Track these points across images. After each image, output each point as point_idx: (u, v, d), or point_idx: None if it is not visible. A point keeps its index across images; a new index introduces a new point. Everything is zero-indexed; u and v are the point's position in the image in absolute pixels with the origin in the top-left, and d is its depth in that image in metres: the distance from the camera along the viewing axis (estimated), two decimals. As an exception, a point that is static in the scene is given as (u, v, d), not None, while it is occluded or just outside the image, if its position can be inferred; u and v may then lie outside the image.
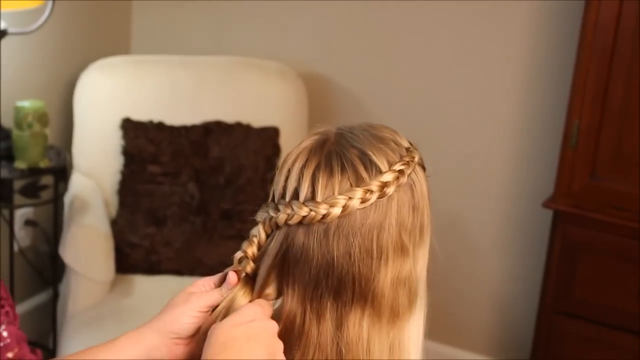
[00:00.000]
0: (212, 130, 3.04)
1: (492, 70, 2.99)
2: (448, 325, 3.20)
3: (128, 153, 2.99)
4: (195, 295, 1.12)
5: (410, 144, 1.14)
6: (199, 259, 2.92)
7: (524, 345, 3.06)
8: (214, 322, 1.08)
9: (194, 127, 3.03)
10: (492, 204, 3.08)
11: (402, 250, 1.09)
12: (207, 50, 3.35)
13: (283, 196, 1.09)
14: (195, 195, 2.98)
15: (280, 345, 1.07)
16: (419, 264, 1.12)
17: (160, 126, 3.02)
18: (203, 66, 3.15)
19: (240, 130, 3.04)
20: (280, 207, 1.08)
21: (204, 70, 3.14)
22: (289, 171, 1.10)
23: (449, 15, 3.00)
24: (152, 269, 2.92)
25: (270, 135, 3.06)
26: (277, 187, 1.11)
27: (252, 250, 1.11)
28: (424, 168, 1.14)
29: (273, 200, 1.11)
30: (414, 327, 1.14)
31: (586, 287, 2.67)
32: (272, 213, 1.09)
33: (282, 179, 1.10)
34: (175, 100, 3.09)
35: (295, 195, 1.08)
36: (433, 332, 3.16)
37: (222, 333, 1.04)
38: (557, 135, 2.85)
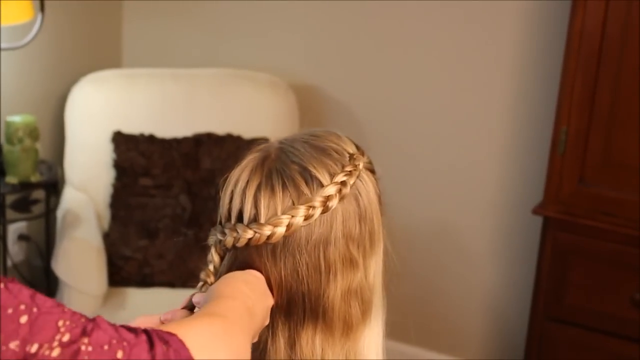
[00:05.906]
0: (203, 142, 3.04)
1: (480, 78, 3.00)
2: (440, 333, 3.20)
3: (119, 166, 3.00)
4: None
5: (357, 148, 1.12)
6: (192, 271, 2.92)
7: (517, 351, 3.06)
8: None
9: (185, 139, 3.04)
10: (483, 211, 3.09)
11: (351, 262, 1.08)
12: (198, 62, 3.36)
13: (228, 219, 1.08)
14: (187, 208, 2.99)
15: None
16: (371, 272, 1.11)
17: (151, 139, 3.03)
18: (194, 78, 3.16)
19: (231, 142, 3.05)
20: (226, 230, 1.07)
21: (194, 83, 3.15)
22: (232, 193, 1.08)
23: (437, 25, 3.01)
24: (145, 282, 2.93)
25: (261, 147, 3.06)
26: (222, 210, 1.10)
27: (210, 279, 1.10)
28: (372, 171, 1.12)
29: (220, 223, 1.10)
30: (372, 335, 1.13)
31: (577, 293, 2.67)
32: (219, 237, 1.08)
33: (227, 201, 1.09)
34: (166, 113, 3.10)
35: (240, 217, 1.07)
36: (425, 339, 3.17)
37: None
38: (545, 142, 2.86)
